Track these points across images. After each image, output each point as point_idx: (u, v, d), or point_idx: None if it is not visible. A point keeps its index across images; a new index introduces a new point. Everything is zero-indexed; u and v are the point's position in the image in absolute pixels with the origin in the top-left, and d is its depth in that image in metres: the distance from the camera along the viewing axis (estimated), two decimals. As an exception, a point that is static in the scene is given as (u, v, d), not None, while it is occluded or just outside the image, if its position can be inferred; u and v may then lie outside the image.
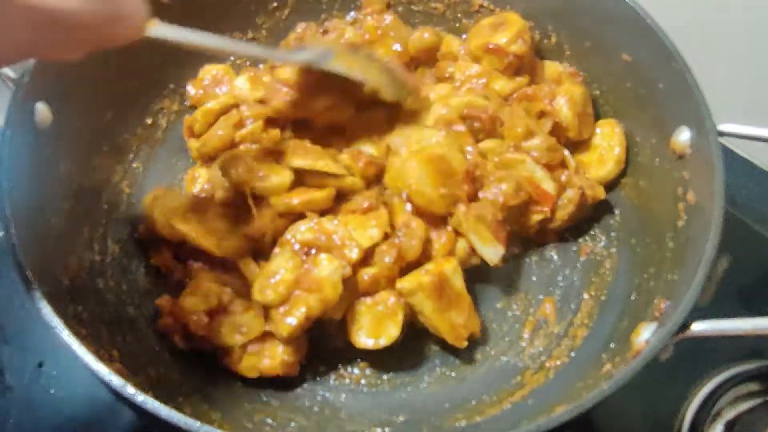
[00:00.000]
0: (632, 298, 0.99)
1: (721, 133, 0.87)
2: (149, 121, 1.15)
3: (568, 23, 1.12)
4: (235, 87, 1.12)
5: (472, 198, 1.00)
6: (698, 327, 0.78)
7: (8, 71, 0.88)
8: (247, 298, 0.97)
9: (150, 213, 1.03)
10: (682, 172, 0.94)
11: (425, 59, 1.20)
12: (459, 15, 1.23)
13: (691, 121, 0.92)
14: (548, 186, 1.03)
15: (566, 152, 1.08)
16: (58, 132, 0.92)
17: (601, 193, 1.07)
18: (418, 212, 0.99)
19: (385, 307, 0.95)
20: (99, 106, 1.05)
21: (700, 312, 0.78)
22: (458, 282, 0.97)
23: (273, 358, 0.95)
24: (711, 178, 0.85)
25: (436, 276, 0.94)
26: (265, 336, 0.96)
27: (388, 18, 1.21)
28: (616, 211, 1.10)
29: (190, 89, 1.16)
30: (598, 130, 1.11)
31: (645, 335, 0.85)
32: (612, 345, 0.94)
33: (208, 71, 1.17)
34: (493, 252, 0.98)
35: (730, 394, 1.05)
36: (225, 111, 1.10)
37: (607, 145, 1.10)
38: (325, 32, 1.22)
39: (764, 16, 1.30)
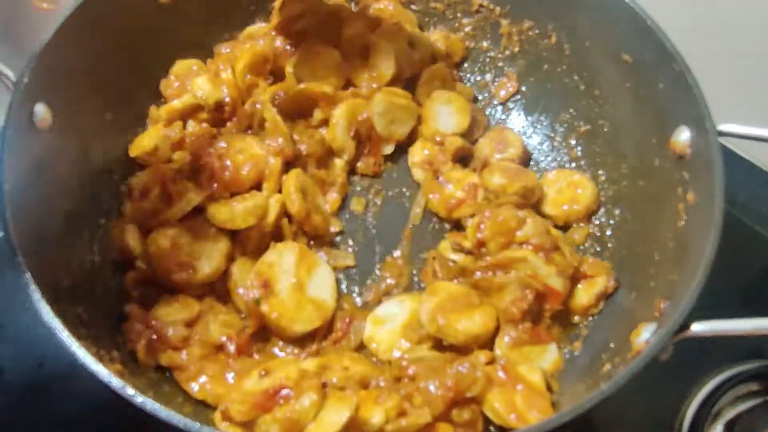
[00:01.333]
0: (632, 298, 0.99)
1: (721, 133, 0.87)
2: (148, 121, 1.15)
3: (568, 23, 1.12)
4: (196, 87, 1.10)
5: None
6: (698, 327, 0.78)
7: (8, 72, 0.88)
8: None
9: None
10: (682, 172, 0.94)
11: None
12: (459, 14, 1.23)
13: (691, 121, 0.91)
14: (556, 283, 0.98)
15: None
16: (58, 132, 0.92)
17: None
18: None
19: None
20: (99, 106, 1.05)
21: (700, 312, 0.78)
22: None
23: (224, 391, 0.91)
24: (711, 178, 0.85)
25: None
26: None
27: (391, 6, 1.22)
28: (616, 211, 1.10)
29: (165, 85, 1.14)
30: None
31: (645, 335, 0.85)
32: (612, 345, 0.93)
33: (183, 65, 1.16)
34: (551, 357, 0.97)
35: (730, 394, 1.05)
36: (189, 111, 1.11)
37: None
38: None
39: (764, 16, 1.30)
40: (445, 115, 1.16)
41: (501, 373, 0.90)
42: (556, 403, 0.91)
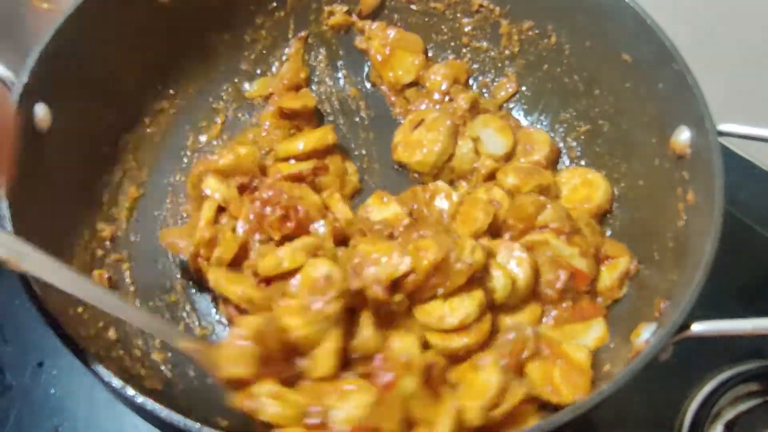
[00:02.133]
0: (632, 297, 0.99)
1: (721, 133, 0.87)
2: (148, 121, 1.15)
3: (568, 23, 1.12)
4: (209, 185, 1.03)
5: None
6: (698, 327, 0.78)
7: (7, 72, 0.88)
8: None
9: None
10: (682, 172, 0.94)
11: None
12: (459, 14, 1.23)
13: (691, 121, 0.92)
14: (580, 263, 0.97)
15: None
16: (58, 132, 0.92)
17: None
18: None
19: None
20: (99, 106, 1.05)
21: (700, 312, 0.78)
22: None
23: None
24: (711, 178, 0.85)
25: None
26: None
27: (392, 32, 1.22)
28: (616, 211, 1.10)
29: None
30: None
31: (645, 335, 0.85)
32: (612, 345, 0.94)
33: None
34: (595, 333, 0.96)
35: (730, 394, 1.06)
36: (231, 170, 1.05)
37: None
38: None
39: (765, 16, 1.30)
40: (489, 136, 1.14)
41: (545, 349, 0.91)
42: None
